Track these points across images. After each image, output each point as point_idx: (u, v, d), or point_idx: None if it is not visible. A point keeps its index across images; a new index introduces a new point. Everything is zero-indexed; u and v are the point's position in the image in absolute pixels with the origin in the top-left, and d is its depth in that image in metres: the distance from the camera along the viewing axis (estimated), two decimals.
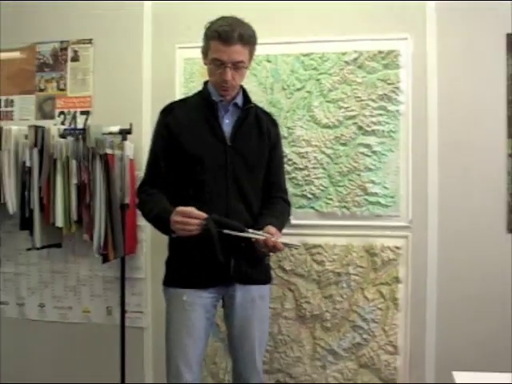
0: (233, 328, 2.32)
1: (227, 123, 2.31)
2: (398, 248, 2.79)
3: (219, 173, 2.23)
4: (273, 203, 2.39)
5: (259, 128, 2.37)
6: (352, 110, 2.82)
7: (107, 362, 3.06)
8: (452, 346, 2.76)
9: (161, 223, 2.16)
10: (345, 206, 2.83)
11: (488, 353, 2.68)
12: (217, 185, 2.22)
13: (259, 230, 2.13)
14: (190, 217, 2.02)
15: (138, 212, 2.72)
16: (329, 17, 2.85)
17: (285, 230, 2.77)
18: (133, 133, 2.89)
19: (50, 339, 3.19)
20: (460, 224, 2.76)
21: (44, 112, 3.17)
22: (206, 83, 2.39)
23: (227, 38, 2.14)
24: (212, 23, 2.23)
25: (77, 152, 2.79)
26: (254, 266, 2.26)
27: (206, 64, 2.31)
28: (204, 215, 2.03)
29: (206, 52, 2.26)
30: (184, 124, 2.27)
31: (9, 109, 3.22)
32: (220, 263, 2.10)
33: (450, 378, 1.75)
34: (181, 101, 2.46)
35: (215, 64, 2.20)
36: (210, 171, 2.22)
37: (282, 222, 2.33)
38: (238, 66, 2.21)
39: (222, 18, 2.21)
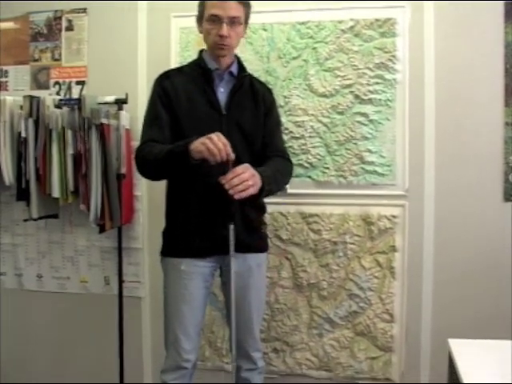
0: (230, 297, 2.33)
1: (222, 92, 2.29)
2: (394, 217, 2.80)
3: None
4: (269, 158, 2.32)
5: (254, 96, 2.35)
6: (348, 79, 2.80)
7: (105, 332, 3.10)
8: (448, 314, 2.78)
9: (176, 153, 2.02)
10: (341, 175, 2.83)
11: (484, 320, 2.70)
12: None
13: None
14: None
15: (137, 178, 2.79)
16: None
17: (281, 199, 2.78)
18: (128, 102, 2.88)
19: (48, 309, 3.21)
20: (456, 193, 2.76)
21: (39, 82, 3.15)
22: (201, 52, 2.37)
23: None
24: None
25: (72, 122, 2.78)
26: (250, 234, 2.26)
27: (201, 32, 2.30)
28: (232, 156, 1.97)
29: (201, 16, 2.25)
30: (179, 92, 2.25)
31: (3, 79, 3.19)
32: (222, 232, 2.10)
33: (446, 346, 1.77)
34: (176, 69, 2.43)
35: (212, 21, 2.19)
36: None
37: (274, 171, 2.23)
38: (233, 22, 2.20)
39: None
